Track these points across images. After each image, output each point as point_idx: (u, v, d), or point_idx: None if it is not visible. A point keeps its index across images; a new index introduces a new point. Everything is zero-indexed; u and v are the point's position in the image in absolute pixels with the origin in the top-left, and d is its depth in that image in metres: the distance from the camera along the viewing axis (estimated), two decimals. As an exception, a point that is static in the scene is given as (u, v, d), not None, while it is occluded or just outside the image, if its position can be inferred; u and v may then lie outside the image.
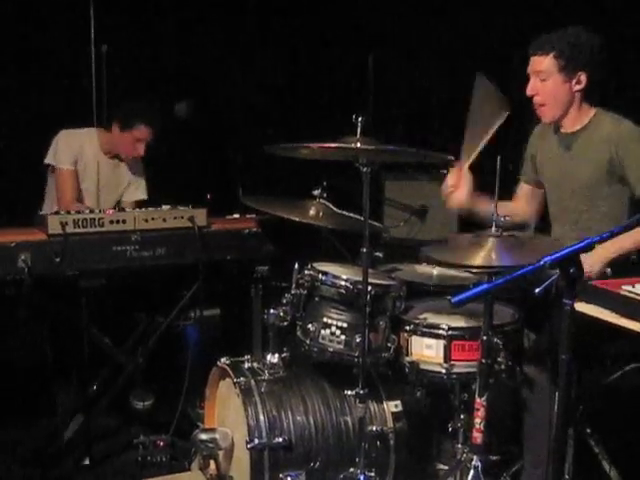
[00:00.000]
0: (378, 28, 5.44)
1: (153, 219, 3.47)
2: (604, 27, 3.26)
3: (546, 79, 3.20)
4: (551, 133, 3.38)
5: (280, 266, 3.57)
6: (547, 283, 2.19)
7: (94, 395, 3.71)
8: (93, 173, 4.19)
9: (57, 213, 3.40)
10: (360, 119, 2.84)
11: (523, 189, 3.54)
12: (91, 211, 3.46)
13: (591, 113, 3.25)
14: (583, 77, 3.18)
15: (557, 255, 2.17)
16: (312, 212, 3.27)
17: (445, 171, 4.65)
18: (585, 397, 3.05)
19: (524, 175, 3.55)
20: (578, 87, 3.20)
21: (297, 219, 3.18)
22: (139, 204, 4.29)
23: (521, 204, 3.53)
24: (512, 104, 3.17)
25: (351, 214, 3.30)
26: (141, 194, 4.36)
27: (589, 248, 2.21)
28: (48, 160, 4.12)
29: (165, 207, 3.56)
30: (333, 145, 2.82)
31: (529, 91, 3.25)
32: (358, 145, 2.78)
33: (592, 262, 2.94)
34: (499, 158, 2.85)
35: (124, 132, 4.12)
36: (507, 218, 2.89)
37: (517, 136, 3.59)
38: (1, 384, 3.62)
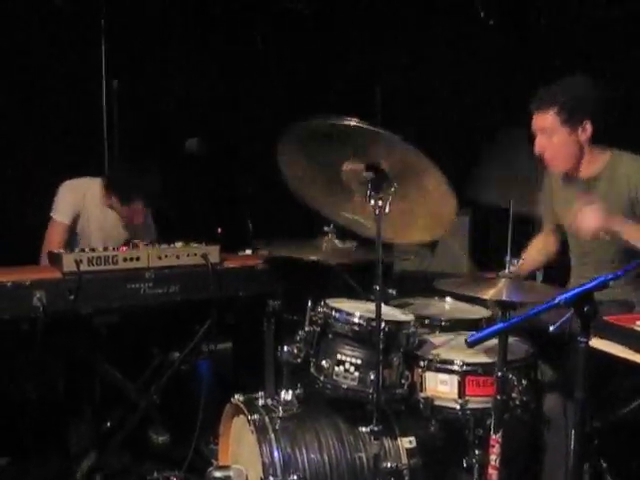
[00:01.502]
0: (385, 59, 5.49)
1: (166, 256, 3.49)
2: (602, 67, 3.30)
3: (552, 135, 3.22)
4: (567, 181, 3.39)
5: (292, 299, 3.59)
6: (561, 321, 2.21)
7: (108, 432, 3.72)
8: (98, 221, 4.21)
9: (72, 251, 3.42)
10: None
11: (546, 224, 3.60)
12: (105, 249, 3.48)
13: (606, 156, 3.27)
14: (588, 125, 3.21)
15: (571, 294, 2.19)
16: (324, 248, 3.28)
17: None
18: (600, 431, 3.04)
19: (545, 217, 3.60)
20: (585, 136, 3.22)
21: (311, 259, 3.19)
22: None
23: (550, 238, 3.58)
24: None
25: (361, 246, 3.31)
26: (152, 236, 4.36)
27: (603, 287, 2.23)
28: (51, 213, 4.15)
29: (178, 244, 3.58)
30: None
31: (537, 149, 3.27)
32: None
33: (596, 218, 2.97)
34: (512, 202, 2.87)
35: (123, 205, 4.15)
36: (520, 260, 2.90)
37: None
38: (16, 420, 3.62)
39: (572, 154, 3.25)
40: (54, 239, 4.08)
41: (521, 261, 2.95)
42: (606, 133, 3.24)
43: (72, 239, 4.15)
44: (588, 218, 3.00)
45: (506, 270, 2.88)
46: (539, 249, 3.62)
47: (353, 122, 2.64)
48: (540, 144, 3.26)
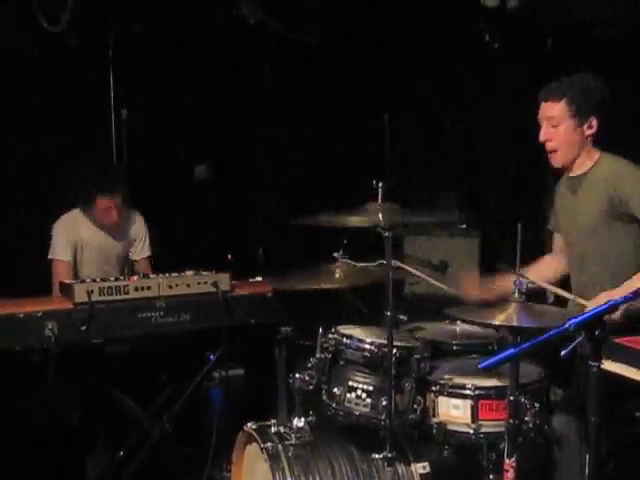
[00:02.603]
0: (393, 86, 5.53)
1: (177, 285, 3.51)
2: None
3: (558, 125, 3.24)
4: (563, 180, 3.42)
5: (304, 326, 3.59)
6: (573, 345, 2.20)
7: (122, 460, 3.72)
8: (96, 248, 4.23)
9: (83, 282, 3.44)
10: (380, 185, 2.88)
11: (556, 239, 3.57)
12: (116, 279, 3.50)
13: (596, 157, 3.28)
14: (594, 122, 3.23)
15: (582, 318, 2.19)
16: (336, 275, 3.29)
17: (464, 225, 4.70)
18: (615, 453, 3.03)
19: (551, 225, 3.59)
20: (590, 132, 3.24)
21: (323, 287, 3.20)
22: (149, 260, 4.36)
23: (558, 257, 3.56)
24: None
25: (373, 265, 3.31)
26: (147, 251, 4.39)
27: (613, 310, 2.23)
28: (49, 256, 4.18)
29: (189, 272, 3.60)
30: (358, 225, 2.85)
31: (542, 137, 3.28)
32: (380, 217, 2.81)
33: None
34: (519, 225, 2.87)
35: (90, 210, 4.15)
36: (530, 285, 2.90)
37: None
38: (29, 450, 3.62)
39: (574, 148, 3.26)
40: (63, 279, 4.07)
41: (531, 285, 2.93)
42: (607, 136, 3.26)
43: (73, 269, 4.19)
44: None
45: (515, 294, 2.88)
46: (549, 264, 3.60)
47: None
48: (546, 132, 3.27)
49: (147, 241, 4.40)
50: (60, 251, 4.15)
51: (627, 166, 3.21)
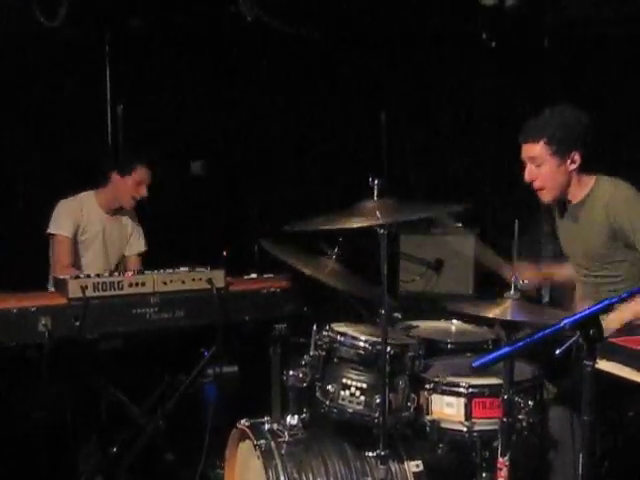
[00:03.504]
0: (389, 84, 5.52)
1: (172, 281, 3.49)
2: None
3: (541, 164, 3.24)
4: (563, 206, 3.42)
5: (298, 323, 3.59)
6: (567, 344, 2.20)
7: (115, 457, 3.71)
8: (98, 233, 4.27)
9: (77, 277, 3.42)
10: (376, 182, 2.87)
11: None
12: (111, 274, 3.49)
13: (591, 182, 3.28)
14: (577, 156, 3.22)
15: (577, 317, 2.18)
16: (329, 269, 3.28)
17: (460, 224, 4.70)
18: (610, 453, 3.03)
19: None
20: (573, 166, 3.23)
21: (317, 276, 3.20)
22: (141, 256, 4.41)
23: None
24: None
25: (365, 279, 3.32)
26: (142, 246, 4.45)
27: (608, 309, 2.23)
28: (49, 230, 4.18)
29: (183, 269, 3.58)
30: (355, 226, 2.85)
31: (527, 178, 3.30)
32: (378, 216, 2.80)
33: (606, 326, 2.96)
34: (516, 224, 2.87)
35: (124, 177, 4.22)
36: (526, 282, 2.89)
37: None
38: (22, 446, 3.62)
39: (560, 184, 3.27)
40: (62, 254, 4.12)
41: (527, 282, 2.93)
42: (598, 160, 3.25)
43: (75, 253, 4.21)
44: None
45: (512, 291, 2.88)
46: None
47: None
48: (530, 172, 3.28)
49: (142, 238, 4.45)
50: (61, 225, 4.16)
51: (624, 193, 3.20)
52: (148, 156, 4.29)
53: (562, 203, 3.40)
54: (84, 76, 4.92)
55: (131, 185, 4.23)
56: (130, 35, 4.96)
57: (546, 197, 3.31)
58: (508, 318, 2.83)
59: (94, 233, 4.27)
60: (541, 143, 3.21)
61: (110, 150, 4.47)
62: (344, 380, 2.99)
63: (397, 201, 2.94)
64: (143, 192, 4.26)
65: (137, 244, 4.44)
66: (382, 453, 2.88)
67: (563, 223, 3.44)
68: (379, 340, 2.90)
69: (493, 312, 2.88)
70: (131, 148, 4.37)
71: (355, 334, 3.04)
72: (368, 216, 2.87)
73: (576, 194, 3.30)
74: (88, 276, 3.45)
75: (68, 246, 4.15)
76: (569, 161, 3.22)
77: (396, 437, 3.10)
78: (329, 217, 2.98)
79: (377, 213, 2.81)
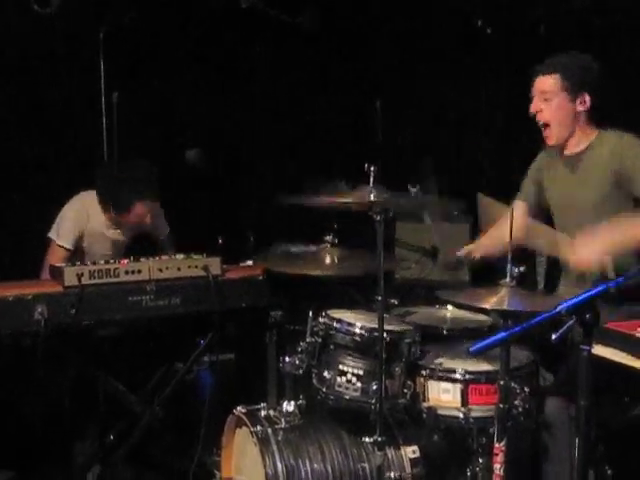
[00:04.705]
0: (385, 73, 5.50)
1: (167, 268, 3.48)
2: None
3: (550, 99, 3.25)
4: (557, 159, 3.40)
5: (294, 310, 3.59)
6: (563, 330, 2.20)
7: (111, 445, 3.71)
8: (103, 233, 4.18)
9: (73, 265, 3.42)
10: (372, 168, 2.87)
11: (518, 206, 3.43)
12: (106, 262, 3.48)
13: (594, 134, 3.28)
14: (587, 98, 3.23)
15: (573, 302, 2.19)
16: (326, 260, 3.28)
17: (456, 212, 4.69)
18: (604, 438, 3.04)
19: (523, 195, 3.54)
20: (582, 108, 3.24)
21: (313, 273, 3.19)
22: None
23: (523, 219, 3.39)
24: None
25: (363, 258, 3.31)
26: (166, 227, 4.39)
27: (605, 293, 2.22)
28: (50, 234, 4.12)
29: (179, 256, 3.58)
30: (349, 200, 2.84)
31: (532, 108, 3.29)
32: (372, 198, 2.81)
33: (591, 250, 2.98)
34: (511, 210, 2.87)
35: (122, 215, 4.09)
36: (522, 268, 2.88)
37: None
38: (18, 434, 3.62)
39: (566, 122, 3.26)
40: (55, 262, 4.04)
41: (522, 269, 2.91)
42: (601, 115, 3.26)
43: (78, 257, 4.11)
44: (585, 254, 3.03)
45: (507, 279, 2.88)
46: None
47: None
48: (536, 104, 3.28)
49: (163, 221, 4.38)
50: (62, 236, 4.08)
51: (631, 140, 3.20)
52: (143, 190, 4.08)
53: (558, 157, 3.37)
54: (78, 65, 4.90)
55: (132, 221, 4.11)
56: (125, 23, 4.93)
57: (552, 137, 3.29)
58: (504, 307, 2.83)
59: (100, 238, 4.18)
60: (556, 76, 3.22)
61: (107, 177, 4.17)
62: (340, 366, 3.00)
63: (392, 188, 2.94)
64: (147, 222, 4.13)
65: (163, 227, 4.38)
66: (379, 439, 2.89)
67: (557, 177, 3.40)
68: (375, 326, 2.90)
69: (489, 302, 2.87)
70: (122, 184, 4.04)
71: (351, 320, 3.05)
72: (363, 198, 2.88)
73: (577, 143, 3.29)
74: (84, 264, 3.44)
75: (63, 258, 4.05)
76: (579, 101, 3.23)
77: (392, 423, 3.11)
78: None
79: (372, 196, 2.82)
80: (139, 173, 4.13)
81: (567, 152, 3.34)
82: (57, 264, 3.68)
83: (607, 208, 3.19)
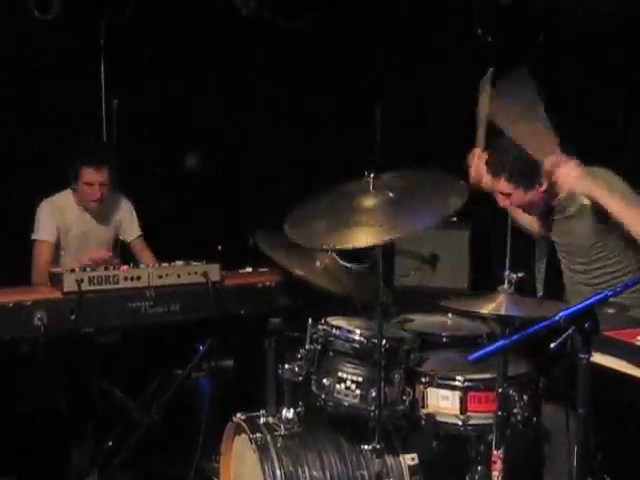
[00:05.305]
0: (384, 75, 5.51)
1: (167, 275, 3.50)
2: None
3: (510, 195, 3.22)
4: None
5: (294, 317, 3.59)
6: (562, 338, 2.20)
7: (109, 451, 3.71)
8: (80, 233, 4.19)
9: (72, 271, 3.42)
10: (371, 176, 2.88)
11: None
12: (106, 268, 3.49)
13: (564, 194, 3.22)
14: (543, 182, 3.16)
15: (572, 310, 2.19)
16: (323, 266, 3.29)
17: (455, 218, 4.69)
18: (604, 446, 3.04)
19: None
20: (542, 189, 3.19)
21: (310, 278, 3.20)
22: (143, 239, 4.35)
23: None
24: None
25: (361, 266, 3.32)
26: (136, 231, 4.35)
27: (603, 302, 2.23)
28: (33, 236, 4.12)
29: (179, 263, 3.59)
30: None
31: (501, 204, 3.29)
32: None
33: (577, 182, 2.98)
34: (510, 218, 2.87)
35: (77, 182, 4.10)
36: (519, 275, 2.89)
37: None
38: (16, 440, 3.61)
39: (536, 203, 3.26)
40: (42, 259, 4.04)
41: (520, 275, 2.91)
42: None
43: (56, 254, 4.14)
44: (570, 174, 3.00)
45: (505, 285, 2.88)
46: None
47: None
48: (501, 201, 3.28)
49: (135, 221, 4.36)
50: (42, 230, 4.10)
51: (602, 171, 3.13)
52: (93, 156, 4.10)
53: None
54: (78, 70, 4.90)
55: (83, 191, 4.11)
56: (125, 29, 4.94)
57: (531, 213, 3.35)
58: (502, 313, 2.84)
59: (77, 234, 4.19)
60: (502, 179, 3.18)
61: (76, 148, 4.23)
62: (339, 373, 3.01)
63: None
64: (95, 194, 4.08)
65: (132, 230, 4.35)
66: (377, 446, 2.90)
67: (555, 223, 3.38)
68: (374, 334, 2.90)
69: (487, 308, 2.88)
70: (75, 152, 4.11)
71: (350, 328, 3.06)
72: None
73: (558, 194, 3.25)
74: (84, 270, 3.44)
75: (48, 251, 4.07)
76: (537, 186, 3.18)
77: (391, 430, 3.11)
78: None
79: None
80: (85, 140, 4.32)
81: (556, 201, 3.29)
82: (44, 268, 3.75)
83: (599, 246, 3.19)
